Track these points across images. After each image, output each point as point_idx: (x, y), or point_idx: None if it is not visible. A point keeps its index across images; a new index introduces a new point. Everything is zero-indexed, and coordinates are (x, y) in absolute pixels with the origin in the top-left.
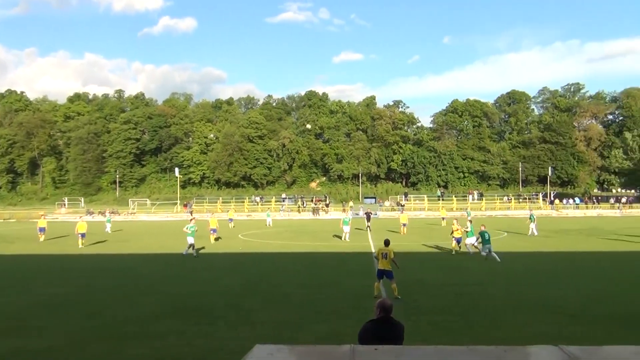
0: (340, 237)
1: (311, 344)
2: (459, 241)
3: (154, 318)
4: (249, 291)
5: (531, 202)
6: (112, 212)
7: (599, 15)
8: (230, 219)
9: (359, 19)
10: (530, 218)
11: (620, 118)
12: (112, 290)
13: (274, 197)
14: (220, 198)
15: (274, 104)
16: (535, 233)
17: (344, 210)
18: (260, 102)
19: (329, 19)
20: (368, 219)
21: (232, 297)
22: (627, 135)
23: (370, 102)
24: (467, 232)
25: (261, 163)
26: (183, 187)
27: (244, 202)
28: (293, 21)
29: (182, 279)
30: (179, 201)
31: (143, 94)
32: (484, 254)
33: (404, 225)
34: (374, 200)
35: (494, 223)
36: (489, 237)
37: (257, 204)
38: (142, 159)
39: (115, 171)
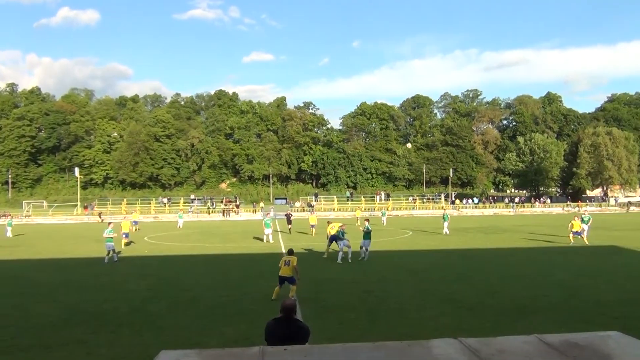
0: (261, 239)
1: (220, 347)
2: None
3: (50, 328)
4: (155, 295)
5: (434, 202)
6: (4, 215)
7: (495, 27)
8: (135, 222)
9: (270, 19)
10: (443, 217)
11: (514, 123)
12: (1, 299)
13: (182, 199)
14: (125, 199)
15: (182, 103)
16: (447, 232)
17: (254, 212)
18: (168, 101)
19: (240, 17)
20: (289, 221)
21: (137, 302)
22: (520, 139)
23: (280, 102)
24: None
25: (169, 163)
26: (84, 188)
27: (150, 203)
28: (202, 19)
29: (83, 285)
30: (79, 203)
31: (39, 89)
32: (341, 254)
33: (313, 226)
34: (284, 201)
35: (400, 223)
36: (344, 233)
37: (165, 206)
38: (38, 158)
39: (7, 171)
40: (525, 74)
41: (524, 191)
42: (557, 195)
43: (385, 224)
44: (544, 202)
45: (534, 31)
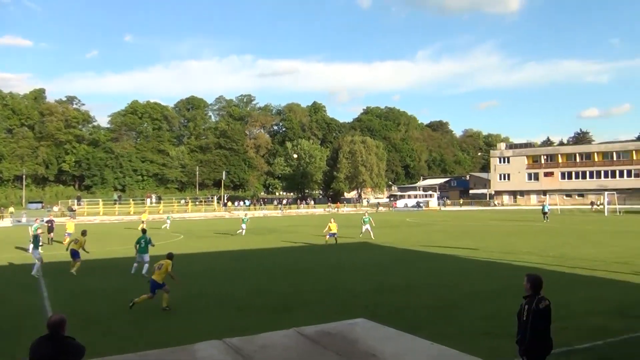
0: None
1: None
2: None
3: None
4: None
5: (207, 204)
6: None
7: (270, 36)
8: None
9: (28, 1)
10: (363, 220)
11: (283, 129)
12: None
13: None
14: None
15: None
16: (372, 233)
17: (1, 218)
18: None
19: None
20: (51, 228)
21: None
22: (288, 144)
23: (38, 95)
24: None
25: None
26: None
27: None
28: None
29: None
30: None
31: None
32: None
33: (69, 234)
34: (40, 205)
35: (176, 226)
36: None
37: None
38: None
39: None
40: (295, 83)
41: (292, 193)
42: (320, 197)
43: (169, 228)
44: (309, 203)
45: (304, 44)
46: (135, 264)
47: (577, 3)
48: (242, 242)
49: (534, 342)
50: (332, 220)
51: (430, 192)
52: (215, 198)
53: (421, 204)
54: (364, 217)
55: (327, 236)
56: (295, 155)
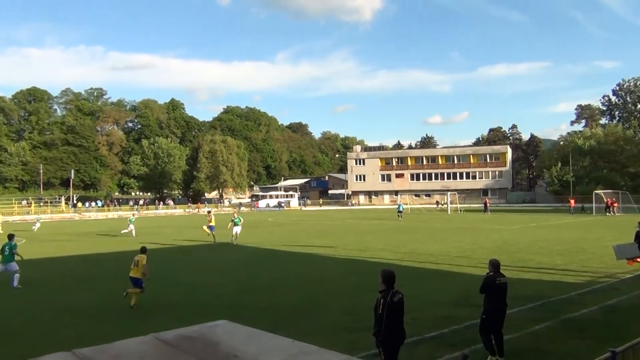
0: None
1: None
2: None
3: None
4: None
5: (53, 205)
6: None
7: (123, 27)
8: None
9: None
10: (234, 222)
11: (139, 126)
12: None
13: None
14: None
15: None
16: (234, 237)
17: None
18: None
19: None
20: None
21: None
22: (145, 142)
23: None
24: None
25: None
26: None
27: None
28: None
29: None
30: None
31: None
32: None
33: None
34: None
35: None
36: None
37: None
38: None
39: None
40: (152, 79)
41: (149, 193)
42: (180, 197)
43: (36, 230)
44: (168, 204)
45: (161, 38)
46: None
47: (422, 17)
48: (92, 245)
49: (389, 333)
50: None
51: (291, 193)
52: (63, 198)
53: (283, 204)
54: (233, 218)
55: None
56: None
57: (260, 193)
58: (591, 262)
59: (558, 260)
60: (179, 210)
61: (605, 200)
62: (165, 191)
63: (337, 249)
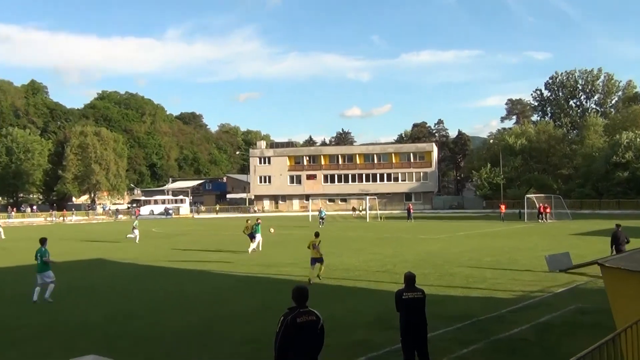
0: None
1: None
2: None
3: None
4: None
5: None
6: None
7: None
8: None
9: None
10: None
11: None
12: None
13: None
14: None
15: None
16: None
17: None
18: None
19: None
20: None
21: None
22: None
23: None
24: None
25: None
26: None
27: None
28: None
29: None
30: None
31: None
32: None
33: None
34: None
35: None
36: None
37: None
38: None
39: None
40: (7, 55)
41: (0, 198)
42: (40, 202)
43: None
44: (24, 211)
45: (22, 4)
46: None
47: None
48: None
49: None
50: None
51: (181, 197)
52: None
53: (170, 211)
54: (256, 222)
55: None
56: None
57: (143, 198)
58: (523, 274)
59: (488, 274)
60: (39, 219)
61: (537, 205)
62: (22, 195)
63: (236, 265)
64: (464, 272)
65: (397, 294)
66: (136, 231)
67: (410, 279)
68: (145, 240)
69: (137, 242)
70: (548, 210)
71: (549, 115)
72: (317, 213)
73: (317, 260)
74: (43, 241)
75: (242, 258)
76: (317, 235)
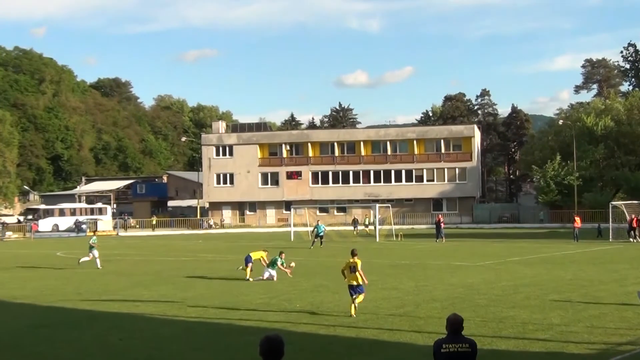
0: None
1: None
2: None
3: None
4: None
5: None
6: None
7: None
8: None
9: None
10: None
11: None
12: None
13: None
14: None
15: None
16: None
17: None
18: None
19: None
20: None
21: None
22: None
23: None
24: None
25: None
26: None
27: None
28: None
29: None
30: None
31: None
32: None
33: None
34: None
35: None
36: None
37: None
38: None
39: None
40: None
41: None
42: None
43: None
44: None
45: None
46: None
47: None
48: None
49: None
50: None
51: (100, 205)
52: None
53: (84, 226)
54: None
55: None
56: None
57: (43, 206)
58: (606, 319)
59: (555, 319)
60: None
61: (628, 217)
62: None
63: (183, 306)
64: (519, 316)
65: (435, 346)
66: (95, 252)
67: (455, 324)
68: (46, 271)
69: (100, 267)
70: None
71: None
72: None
73: (356, 288)
74: None
75: (194, 295)
76: (354, 254)
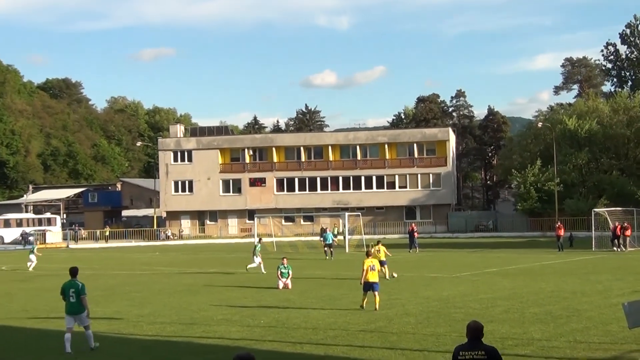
0: None
1: None
2: None
3: None
4: None
5: None
6: None
7: None
8: None
9: None
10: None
11: None
12: None
13: None
14: None
15: None
16: None
17: None
18: None
19: None
20: None
21: None
22: None
23: None
24: None
25: None
26: None
27: None
28: None
29: None
30: None
31: None
32: None
33: None
34: None
35: None
36: None
37: None
38: None
39: None
40: None
41: None
42: None
43: None
44: None
45: None
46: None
47: None
48: None
49: None
50: None
51: (49, 215)
52: None
53: (31, 238)
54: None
55: None
56: None
57: None
58: (590, 333)
59: (536, 333)
60: None
61: (612, 225)
62: None
63: (139, 324)
64: (498, 331)
65: (454, 351)
66: (33, 257)
67: (474, 330)
68: None
69: (32, 269)
70: (628, 232)
71: (630, 83)
72: (324, 236)
73: (373, 285)
74: (74, 272)
75: (151, 311)
76: (368, 254)
